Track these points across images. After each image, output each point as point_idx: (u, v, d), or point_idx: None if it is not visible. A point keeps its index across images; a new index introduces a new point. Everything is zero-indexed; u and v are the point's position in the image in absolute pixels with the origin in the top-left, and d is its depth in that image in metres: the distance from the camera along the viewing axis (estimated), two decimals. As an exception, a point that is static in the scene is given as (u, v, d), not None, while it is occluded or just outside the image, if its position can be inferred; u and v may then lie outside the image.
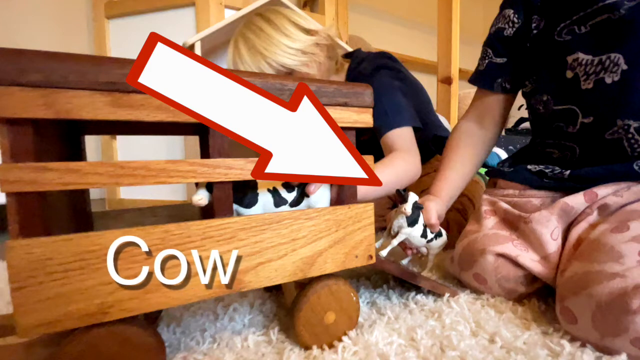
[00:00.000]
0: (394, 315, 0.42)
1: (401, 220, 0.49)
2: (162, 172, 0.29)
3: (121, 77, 0.27)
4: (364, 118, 0.39)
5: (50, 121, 0.27)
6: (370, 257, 0.40)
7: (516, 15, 0.56)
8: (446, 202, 0.59)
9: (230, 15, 1.00)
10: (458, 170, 0.61)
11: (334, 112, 0.37)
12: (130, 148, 1.44)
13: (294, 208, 0.38)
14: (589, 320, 0.34)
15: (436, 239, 0.53)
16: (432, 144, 0.85)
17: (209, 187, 0.33)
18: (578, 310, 0.35)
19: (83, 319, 0.27)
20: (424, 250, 0.55)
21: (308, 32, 0.73)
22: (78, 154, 0.39)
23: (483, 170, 0.87)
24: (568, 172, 0.49)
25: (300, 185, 0.39)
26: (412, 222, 0.50)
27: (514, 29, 0.56)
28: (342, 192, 0.39)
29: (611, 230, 0.39)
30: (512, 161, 0.61)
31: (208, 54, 1.00)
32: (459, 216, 0.77)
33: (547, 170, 0.51)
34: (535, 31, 0.53)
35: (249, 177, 0.33)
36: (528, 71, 0.57)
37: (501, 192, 0.56)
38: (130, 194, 1.49)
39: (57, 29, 1.56)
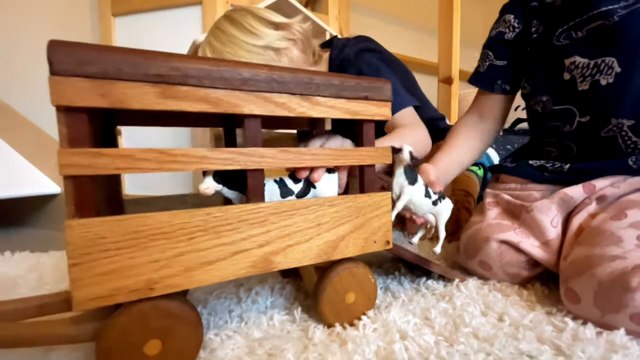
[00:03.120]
0: (408, 298, 0.44)
1: (401, 179, 0.45)
2: (204, 159, 0.31)
3: (169, 69, 0.28)
4: (384, 111, 0.41)
5: (97, 111, 0.28)
6: (388, 242, 0.42)
7: (516, 20, 0.58)
8: (441, 172, 0.57)
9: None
10: (454, 154, 0.61)
11: (355, 105, 0.39)
12: (136, 142, 1.45)
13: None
14: (591, 299, 0.36)
15: (440, 201, 0.49)
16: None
17: (216, 176, 0.34)
18: (581, 291, 0.37)
19: (132, 294, 0.28)
20: (431, 218, 0.50)
21: (277, 26, 0.71)
22: (112, 143, 0.41)
23: (474, 168, 0.89)
24: (567, 165, 0.52)
25: (307, 178, 0.39)
26: (412, 180, 0.45)
27: (514, 33, 0.58)
28: (363, 181, 0.41)
29: (610, 218, 0.41)
30: (514, 157, 0.63)
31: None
32: (468, 215, 0.78)
33: (547, 165, 0.54)
34: (535, 35, 0.56)
35: (280, 166, 0.35)
36: (527, 73, 0.59)
37: (504, 186, 0.59)
38: (136, 189, 1.49)
39: (61, 25, 1.56)
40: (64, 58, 0.25)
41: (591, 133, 0.50)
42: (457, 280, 0.49)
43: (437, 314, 0.40)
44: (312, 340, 0.35)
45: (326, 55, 0.80)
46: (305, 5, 1.59)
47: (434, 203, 0.48)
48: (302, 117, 0.37)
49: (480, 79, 0.63)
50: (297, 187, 0.39)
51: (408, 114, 0.69)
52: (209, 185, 0.34)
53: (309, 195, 0.39)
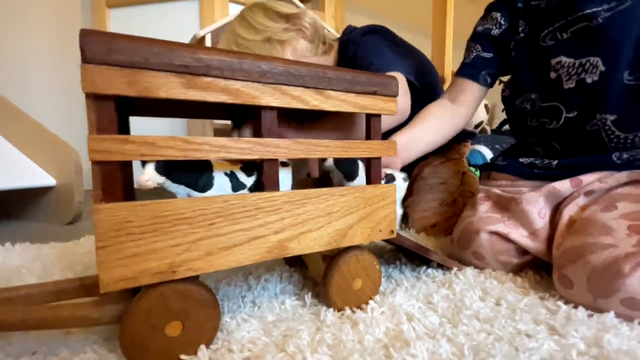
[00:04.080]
0: (410, 285, 0.46)
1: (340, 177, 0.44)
2: (223, 148, 0.32)
3: (193, 60, 0.29)
4: (390, 106, 0.43)
5: (121, 99, 0.29)
6: (392, 231, 0.44)
7: (503, 18, 0.61)
8: (402, 146, 0.58)
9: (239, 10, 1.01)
10: (419, 131, 0.63)
11: (365, 99, 0.40)
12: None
13: (239, 192, 0.36)
14: (584, 285, 0.39)
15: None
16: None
17: (159, 166, 0.31)
18: (574, 276, 0.40)
19: (155, 276, 0.29)
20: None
21: (287, 18, 0.72)
22: (127, 131, 0.41)
23: (473, 169, 0.92)
24: (555, 162, 0.54)
25: (260, 169, 0.37)
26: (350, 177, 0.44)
27: (500, 30, 0.61)
28: (370, 173, 0.43)
29: (601, 210, 0.44)
30: (505, 156, 0.65)
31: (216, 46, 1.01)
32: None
33: (537, 162, 0.56)
34: (521, 35, 0.58)
35: (294, 157, 0.36)
36: (512, 73, 0.61)
37: (495, 183, 0.61)
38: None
39: (51, 16, 1.53)
40: (95, 47, 0.26)
41: (577, 128, 0.53)
42: (455, 268, 0.51)
43: (439, 298, 0.42)
44: (324, 322, 0.36)
45: (336, 44, 0.82)
46: (302, 1, 1.59)
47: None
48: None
49: (466, 69, 0.65)
50: (249, 180, 0.37)
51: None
52: (151, 177, 0.30)
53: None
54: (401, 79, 0.69)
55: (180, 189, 0.33)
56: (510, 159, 0.60)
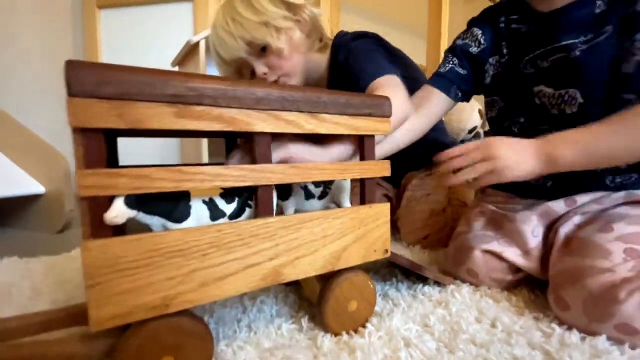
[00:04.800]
0: (407, 305, 0.46)
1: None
2: (218, 177, 0.31)
3: (186, 90, 0.28)
4: (385, 127, 0.42)
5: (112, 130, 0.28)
6: (387, 251, 0.44)
7: (483, 37, 0.60)
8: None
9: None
10: None
11: (359, 121, 0.40)
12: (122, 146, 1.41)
13: (233, 221, 0.34)
14: (580, 308, 0.39)
15: (329, 188, 0.44)
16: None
17: (128, 200, 0.28)
18: (571, 299, 0.40)
19: (149, 311, 0.29)
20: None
21: (289, 6, 0.69)
22: (115, 154, 0.40)
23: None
24: (550, 182, 0.54)
25: (242, 196, 0.36)
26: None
27: (479, 49, 0.60)
28: (365, 193, 0.42)
29: (598, 231, 0.44)
30: None
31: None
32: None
33: (532, 181, 0.56)
34: (506, 58, 0.58)
35: (289, 181, 0.36)
36: (497, 94, 0.60)
37: (490, 199, 0.61)
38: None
39: (40, 17, 1.49)
40: (83, 79, 0.25)
41: None
42: (451, 286, 0.51)
43: (436, 320, 0.42)
44: (321, 350, 0.36)
45: (324, 57, 0.79)
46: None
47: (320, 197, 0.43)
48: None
49: (438, 80, 0.63)
50: (230, 208, 0.34)
51: (389, 80, 0.62)
52: (119, 213, 0.27)
53: (245, 215, 0.36)
54: (397, 80, 0.64)
55: (154, 220, 0.31)
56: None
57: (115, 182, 0.26)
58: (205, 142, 1.01)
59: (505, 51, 0.58)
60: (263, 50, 0.67)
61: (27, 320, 0.34)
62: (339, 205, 0.44)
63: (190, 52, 0.96)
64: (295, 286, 0.52)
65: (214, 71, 1.21)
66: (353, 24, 2.01)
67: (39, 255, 0.69)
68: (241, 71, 0.72)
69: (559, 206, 0.52)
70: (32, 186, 0.95)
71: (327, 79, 0.78)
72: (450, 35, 1.41)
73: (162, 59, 1.26)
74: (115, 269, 0.27)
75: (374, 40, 0.76)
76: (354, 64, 0.69)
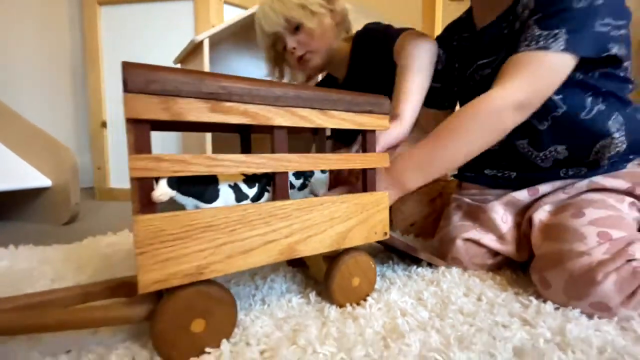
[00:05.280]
0: (402, 283, 0.52)
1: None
2: (243, 163, 0.36)
3: (218, 88, 0.33)
4: (383, 122, 0.48)
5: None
6: (385, 233, 0.49)
7: (444, 55, 0.70)
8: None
9: (238, 14, 1.04)
10: None
11: (362, 117, 0.45)
12: (120, 134, 1.44)
13: (254, 203, 0.39)
14: (560, 287, 0.45)
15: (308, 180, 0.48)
16: None
17: (170, 181, 0.33)
18: (553, 279, 0.46)
19: (185, 278, 0.33)
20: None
21: None
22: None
23: None
24: (514, 174, 0.61)
25: (261, 180, 0.41)
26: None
27: (442, 65, 0.70)
28: (366, 182, 0.48)
29: (571, 217, 0.50)
30: (473, 167, 0.68)
31: (214, 51, 1.03)
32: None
33: (499, 174, 0.63)
34: (456, 72, 0.67)
35: (302, 169, 0.41)
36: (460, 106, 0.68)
37: (466, 192, 0.68)
38: (120, 183, 1.49)
39: (37, 12, 1.51)
40: (136, 78, 0.29)
41: (513, 150, 0.60)
42: (442, 268, 0.57)
43: (429, 295, 0.47)
44: (328, 318, 0.41)
45: (346, 45, 0.87)
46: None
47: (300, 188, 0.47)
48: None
49: (429, 100, 0.69)
50: (252, 192, 0.40)
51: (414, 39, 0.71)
52: (164, 192, 0.32)
53: (264, 198, 0.41)
54: (416, 31, 0.73)
55: (188, 201, 0.36)
56: (477, 172, 0.67)
57: (158, 166, 0.31)
58: (209, 139, 1.05)
59: (456, 66, 0.67)
60: (296, 29, 0.79)
61: (67, 292, 0.38)
62: (315, 196, 0.48)
63: (193, 50, 1.00)
64: (301, 267, 0.57)
65: (218, 69, 1.25)
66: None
67: (51, 244, 0.73)
68: (275, 45, 0.83)
69: (522, 195, 0.58)
70: (37, 179, 0.98)
71: (346, 65, 0.87)
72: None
73: (164, 56, 1.30)
74: (158, 240, 0.32)
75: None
76: (374, 32, 0.81)
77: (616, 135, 0.53)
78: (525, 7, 0.54)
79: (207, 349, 0.35)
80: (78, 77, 1.60)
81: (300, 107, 0.39)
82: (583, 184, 0.54)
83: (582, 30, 0.48)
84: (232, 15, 1.27)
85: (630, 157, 0.55)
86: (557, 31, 0.48)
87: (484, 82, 0.58)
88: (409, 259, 0.61)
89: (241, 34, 1.17)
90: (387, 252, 0.65)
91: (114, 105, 1.39)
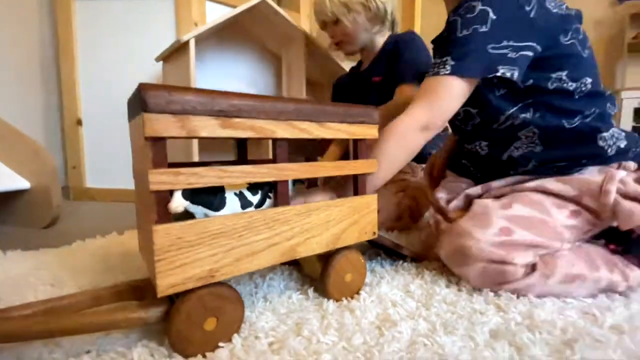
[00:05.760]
0: (390, 277, 0.57)
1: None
2: (249, 174, 0.39)
3: (228, 106, 0.36)
4: (373, 132, 0.52)
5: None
6: (374, 232, 0.54)
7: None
8: None
9: (222, 12, 1.04)
10: None
11: (355, 127, 0.49)
12: (97, 132, 1.41)
13: (257, 209, 0.42)
14: (448, 254, 0.55)
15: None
16: None
17: (184, 193, 0.36)
18: (446, 247, 0.55)
19: (199, 281, 0.37)
20: None
21: None
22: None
23: None
24: (479, 174, 0.68)
25: (264, 188, 0.44)
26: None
27: None
28: (357, 186, 0.52)
29: (499, 206, 0.55)
30: (455, 157, 0.77)
31: (199, 50, 1.03)
32: (413, 203, 0.94)
33: (471, 169, 0.70)
34: None
35: (301, 177, 0.44)
36: None
37: (448, 180, 0.74)
38: (97, 182, 1.47)
39: (4, 5, 1.44)
40: (156, 99, 0.32)
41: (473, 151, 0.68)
42: (424, 262, 0.63)
43: (415, 287, 0.53)
44: (327, 311, 0.46)
45: (387, 34, 1.04)
46: (278, 3, 1.64)
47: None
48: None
49: None
50: (255, 199, 0.43)
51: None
52: (180, 203, 0.35)
53: (265, 204, 0.44)
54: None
55: (198, 210, 0.39)
56: (457, 160, 0.74)
57: (176, 179, 0.34)
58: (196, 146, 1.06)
59: None
60: (336, 22, 0.98)
61: (83, 296, 0.41)
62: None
63: (178, 49, 1.00)
64: (295, 265, 0.61)
65: (204, 69, 1.26)
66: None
67: (38, 247, 0.73)
68: (325, 27, 1.02)
69: (475, 190, 0.64)
70: (16, 181, 0.96)
71: (370, 58, 1.04)
72: (422, 33, 1.53)
73: (143, 53, 1.28)
74: (175, 247, 0.35)
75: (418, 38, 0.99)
76: (405, 49, 0.96)
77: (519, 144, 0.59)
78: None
79: (220, 344, 0.39)
80: (49, 72, 1.55)
81: (300, 120, 0.43)
82: (532, 184, 0.58)
83: (466, 55, 0.52)
84: (214, 11, 1.27)
85: (583, 161, 0.56)
86: (446, 58, 0.54)
87: None
88: (395, 255, 0.67)
89: (226, 33, 1.18)
90: (374, 249, 0.70)
91: (89, 102, 1.37)
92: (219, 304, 0.39)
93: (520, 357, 0.36)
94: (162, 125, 0.33)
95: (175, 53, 1.03)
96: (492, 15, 0.52)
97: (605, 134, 0.56)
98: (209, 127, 0.36)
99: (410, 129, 0.55)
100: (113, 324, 0.36)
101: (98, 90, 1.34)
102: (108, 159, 1.43)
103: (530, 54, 0.53)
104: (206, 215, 0.39)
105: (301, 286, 0.54)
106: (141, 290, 0.44)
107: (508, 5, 0.52)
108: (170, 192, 0.35)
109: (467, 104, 0.57)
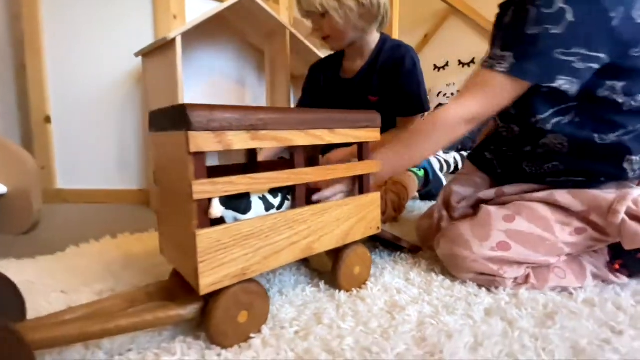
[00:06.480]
0: (391, 267, 0.65)
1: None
2: (274, 180, 0.45)
3: (257, 120, 0.42)
4: (375, 135, 0.59)
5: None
6: (378, 227, 0.62)
7: None
8: None
9: (208, 9, 1.06)
10: None
11: (360, 132, 0.56)
12: (67, 130, 1.39)
13: (279, 211, 0.49)
14: (446, 253, 0.61)
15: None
16: None
17: (221, 200, 0.41)
18: (443, 246, 0.61)
19: (233, 279, 0.43)
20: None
21: None
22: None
23: (415, 169, 1.15)
24: (500, 170, 0.72)
25: (282, 192, 0.50)
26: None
27: None
28: (363, 185, 0.59)
29: (503, 218, 0.58)
30: (478, 148, 0.78)
31: (187, 48, 1.05)
32: (396, 198, 1.03)
33: (494, 162, 0.72)
34: None
35: (315, 180, 0.51)
36: None
37: (464, 171, 0.78)
38: (70, 183, 1.45)
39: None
40: (200, 118, 0.37)
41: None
42: (420, 253, 0.71)
43: (414, 275, 0.61)
44: (340, 301, 0.53)
45: (377, 37, 1.05)
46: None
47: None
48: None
49: None
50: (276, 201, 0.49)
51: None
52: (217, 210, 0.41)
53: (284, 206, 0.50)
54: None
55: (229, 214, 0.45)
56: (479, 152, 0.76)
57: (215, 188, 0.40)
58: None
59: None
60: (323, 15, 0.95)
61: (117, 299, 0.46)
62: None
63: (162, 46, 1.02)
64: (302, 261, 0.68)
65: (190, 66, 1.27)
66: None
67: (35, 255, 0.75)
68: (308, 17, 1.00)
69: (489, 194, 0.69)
70: (-8, 186, 0.95)
71: (363, 58, 1.05)
72: (400, 36, 1.61)
73: (117, 47, 1.28)
74: (214, 249, 0.40)
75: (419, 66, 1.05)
76: (408, 80, 1.00)
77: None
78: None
79: (252, 335, 0.45)
80: (8, 67, 1.49)
81: (315, 128, 0.49)
82: (543, 194, 0.59)
83: (529, 57, 0.52)
84: (193, 4, 1.28)
85: (602, 179, 0.58)
86: (507, 53, 0.54)
87: None
88: (392, 247, 0.75)
89: (208, 26, 1.20)
90: (372, 242, 0.78)
91: (59, 99, 1.34)
92: (249, 298, 0.45)
93: (511, 329, 0.45)
94: (204, 141, 0.38)
95: (159, 50, 1.05)
96: (569, 17, 0.49)
97: (634, 157, 0.55)
98: (241, 140, 0.41)
99: (459, 119, 0.57)
100: (156, 321, 0.42)
101: (68, 86, 1.32)
102: (80, 158, 1.42)
103: (596, 66, 0.51)
104: (235, 219, 0.45)
105: (311, 279, 0.61)
106: (169, 291, 0.49)
107: (591, 8, 0.49)
108: (209, 200, 0.41)
109: None
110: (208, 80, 1.37)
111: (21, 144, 1.52)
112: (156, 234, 0.90)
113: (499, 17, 0.65)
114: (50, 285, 0.61)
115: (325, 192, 0.55)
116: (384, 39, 1.06)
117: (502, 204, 0.63)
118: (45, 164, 1.42)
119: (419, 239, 0.77)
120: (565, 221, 0.57)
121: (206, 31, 1.19)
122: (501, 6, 0.65)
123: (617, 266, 0.58)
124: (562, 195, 0.58)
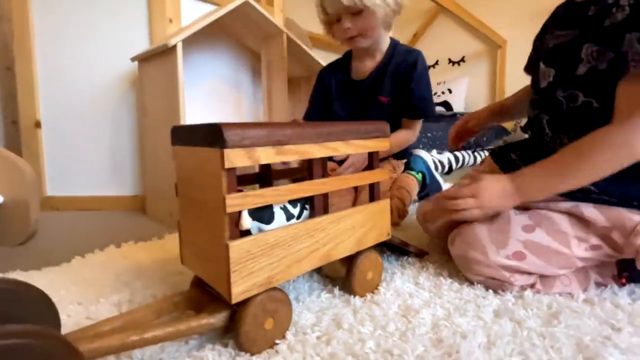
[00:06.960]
0: (400, 272, 0.69)
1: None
2: (295, 191, 0.49)
3: (281, 136, 0.46)
4: (385, 144, 0.63)
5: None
6: (389, 234, 0.66)
7: None
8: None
9: (206, 13, 1.09)
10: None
11: (371, 142, 0.60)
12: (58, 135, 1.39)
13: (298, 220, 0.52)
14: (460, 254, 0.64)
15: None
16: None
17: (250, 212, 0.45)
18: (457, 248, 0.65)
19: (261, 287, 0.46)
20: None
21: None
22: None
23: (414, 173, 1.20)
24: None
25: (301, 201, 0.54)
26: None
27: None
28: (374, 193, 0.63)
29: (522, 228, 0.60)
30: (503, 149, 0.80)
31: (183, 51, 1.07)
32: (400, 204, 1.07)
33: (517, 162, 0.73)
34: None
35: (333, 189, 0.55)
36: None
37: (484, 169, 0.81)
38: (61, 190, 1.45)
39: None
40: (234, 137, 0.41)
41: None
42: (427, 257, 0.76)
43: (423, 279, 0.66)
44: (356, 306, 0.57)
45: (386, 39, 1.09)
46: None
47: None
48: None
49: None
50: (296, 211, 0.53)
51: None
52: (247, 222, 0.44)
53: (303, 215, 0.54)
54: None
55: (254, 225, 0.48)
56: (503, 154, 0.77)
57: (245, 201, 0.43)
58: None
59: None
60: (359, 12, 0.95)
61: (147, 309, 0.48)
62: None
63: (162, 52, 1.04)
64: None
65: (187, 69, 1.29)
66: (300, 17, 2.17)
67: (40, 267, 0.77)
68: (330, 23, 1.02)
69: None
70: (-14, 196, 0.96)
71: (375, 61, 1.10)
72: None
73: (111, 51, 1.29)
74: (244, 259, 0.44)
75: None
76: (419, 84, 1.06)
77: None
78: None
79: (277, 341, 0.48)
80: (-8, 68, 1.48)
81: (331, 140, 0.53)
82: (568, 204, 0.60)
83: None
84: (189, 8, 1.30)
85: (635, 203, 0.58)
86: None
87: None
88: (398, 251, 0.79)
89: (205, 30, 1.22)
90: (378, 246, 0.82)
91: (49, 103, 1.34)
92: (275, 306, 0.48)
93: (520, 329, 0.50)
94: (236, 157, 0.42)
95: (158, 56, 1.07)
96: None
97: None
98: (268, 155, 0.45)
99: (632, 142, 0.52)
100: (189, 330, 0.45)
101: (59, 90, 1.32)
102: (71, 164, 1.42)
103: None
104: (259, 229, 0.49)
105: (324, 286, 0.65)
106: (194, 300, 0.52)
107: None
108: (239, 213, 0.44)
109: (592, 94, 0.57)
110: (205, 83, 1.39)
111: (6, 149, 1.51)
112: (161, 243, 0.93)
113: (579, 13, 0.61)
114: (64, 297, 0.63)
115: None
116: (395, 43, 1.11)
117: (525, 208, 0.63)
118: (35, 169, 1.41)
119: (419, 220, 0.82)
120: (583, 237, 0.58)
121: (203, 35, 1.21)
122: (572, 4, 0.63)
123: (623, 280, 0.61)
124: (588, 209, 0.59)
